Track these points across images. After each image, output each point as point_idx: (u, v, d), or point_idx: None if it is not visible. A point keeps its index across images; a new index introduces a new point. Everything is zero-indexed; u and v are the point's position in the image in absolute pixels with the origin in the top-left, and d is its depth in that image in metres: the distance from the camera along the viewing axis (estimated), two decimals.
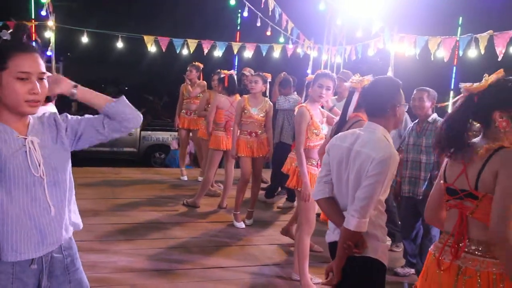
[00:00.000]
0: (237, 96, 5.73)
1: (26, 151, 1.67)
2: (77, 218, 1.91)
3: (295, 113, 3.80)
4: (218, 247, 4.65)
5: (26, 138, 1.69)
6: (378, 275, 2.26)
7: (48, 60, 8.49)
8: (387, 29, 6.12)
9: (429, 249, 2.10)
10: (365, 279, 2.23)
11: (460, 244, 1.89)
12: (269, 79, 5.43)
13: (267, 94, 5.63)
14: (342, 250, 2.19)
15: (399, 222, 4.57)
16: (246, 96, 5.32)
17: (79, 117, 1.87)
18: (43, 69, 1.67)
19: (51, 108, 3.52)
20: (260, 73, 5.32)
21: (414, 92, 4.06)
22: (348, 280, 2.22)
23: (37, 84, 1.64)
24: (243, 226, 5.27)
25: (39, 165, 1.68)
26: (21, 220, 1.63)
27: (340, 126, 3.15)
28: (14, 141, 1.66)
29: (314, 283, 3.79)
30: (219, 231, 5.13)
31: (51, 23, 7.05)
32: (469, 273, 1.84)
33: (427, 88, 4.05)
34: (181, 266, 4.13)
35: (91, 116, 1.87)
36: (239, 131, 5.25)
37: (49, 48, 7.41)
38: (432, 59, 5.75)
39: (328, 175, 2.36)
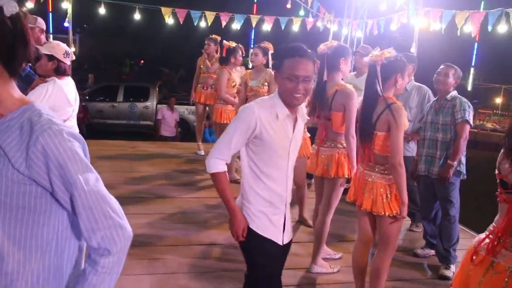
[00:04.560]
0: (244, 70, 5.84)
1: None
2: None
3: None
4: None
5: None
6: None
7: (65, 32, 8.43)
8: (412, 2, 5.90)
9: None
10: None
11: (500, 240, 1.80)
12: (271, 51, 5.29)
13: (270, 65, 5.44)
14: None
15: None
16: (249, 70, 5.29)
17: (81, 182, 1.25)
18: None
19: (69, 82, 3.45)
20: (261, 45, 5.26)
21: (441, 66, 3.95)
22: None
23: None
24: None
25: None
26: None
27: (367, 104, 2.93)
28: None
29: (335, 258, 3.79)
30: None
31: None
32: (499, 269, 1.77)
33: (455, 66, 3.93)
34: (196, 241, 4.11)
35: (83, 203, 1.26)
36: None
37: (66, 19, 7.33)
38: (459, 34, 5.54)
39: None
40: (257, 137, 2.19)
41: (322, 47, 3.58)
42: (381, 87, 2.83)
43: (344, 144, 3.43)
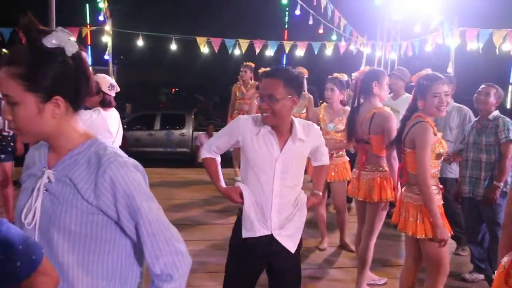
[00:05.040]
0: None
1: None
2: None
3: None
4: None
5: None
6: None
7: (105, 64, 8.78)
8: (446, 22, 5.87)
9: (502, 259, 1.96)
10: None
11: None
12: (306, 75, 5.26)
13: (305, 89, 5.43)
14: None
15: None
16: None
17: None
18: None
19: (113, 114, 3.57)
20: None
21: (482, 86, 3.90)
22: None
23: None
24: None
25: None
26: None
27: (402, 123, 2.98)
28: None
29: (380, 284, 3.75)
30: None
31: (108, 27, 7.25)
32: None
33: (495, 85, 3.88)
34: None
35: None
36: None
37: (106, 52, 7.63)
38: (497, 53, 5.45)
39: None
40: (242, 147, 2.39)
41: (354, 75, 3.64)
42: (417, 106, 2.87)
43: (386, 167, 3.41)
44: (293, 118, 2.39)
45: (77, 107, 1.34)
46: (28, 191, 1.35)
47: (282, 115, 2.28)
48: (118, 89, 3.57)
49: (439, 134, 2.87)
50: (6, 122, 4.93)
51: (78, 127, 1.36)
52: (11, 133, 4.97)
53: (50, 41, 1.22)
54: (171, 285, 1.34)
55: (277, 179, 2.34)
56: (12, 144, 4.96)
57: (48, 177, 1.31)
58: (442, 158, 2.89)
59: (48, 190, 1.31)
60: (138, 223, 1.31)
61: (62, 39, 1.24)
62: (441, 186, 2.91)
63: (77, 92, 1.30)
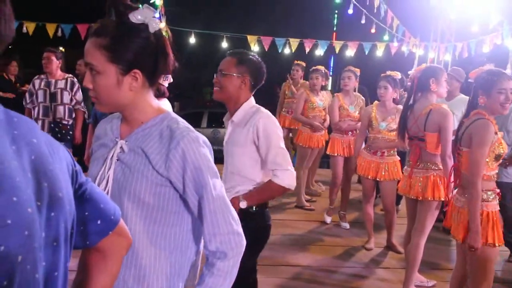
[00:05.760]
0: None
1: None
2: None
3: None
4: (318, 246, 4.59)
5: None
6: None
7: None
8: (506, 22, 5.66)
9: None
10: None
11: None
12: (358, 73, 5.19)
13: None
14: None
15: None
16: (338, 94, 5.22)
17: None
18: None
19: (166, 104, 3.69)
20: (351, 69, 5.16)
21: None
22: None
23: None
24: (328, 221, 5.25)
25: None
26: None
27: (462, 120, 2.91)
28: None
29: (428, 286, 3.67)
30: (319, 230, 5.07)
31: (163, 25, 7.44)
32: None
33: None
34: (283, 262, 4.14)
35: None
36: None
37: None
38: None
39: None
40: None
41: (411, 72, 3.58)
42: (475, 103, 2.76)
43: (440, 166, 3.34)
44: (249, 103, 2.42)
45: (153, 82, 1.40)
46: (100, 160, 1.43)
47: (229, 92, 2.37)
48: (171, 80, 3.67)
49: (500, 134, 2.73)
50: (67, 111, 5.17)
51: (152, 101, 1.42)
52: (70, 122, 5.20)
53: (136, 17, 1.28)
54: (224, 263, 1.37)
55: (225, 162, 2.47)
56: (71, 132, 5.20)
57: (121, 147, 1.38)
58: (500, 160, 2.78)
59: (120, 160, 1.38)
60: (202, 198, 1.35)
61: (147, 15, 1.30)
62: (497, 190, 2.75)
63: (154, 68, 1.36)
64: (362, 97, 5.34)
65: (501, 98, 2.63)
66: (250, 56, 2.40)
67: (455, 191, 2.88)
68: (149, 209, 1.35)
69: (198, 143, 1.34)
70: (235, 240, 1.38)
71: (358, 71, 5.19)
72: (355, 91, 5.31)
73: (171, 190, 1.35)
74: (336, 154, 5.11)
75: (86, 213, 0.99)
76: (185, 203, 1.39)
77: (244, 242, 1.41)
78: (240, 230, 1.41)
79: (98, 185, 1.38)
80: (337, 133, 5.13)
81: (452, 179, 2.99)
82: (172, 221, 1.38)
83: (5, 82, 6.68)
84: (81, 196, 0.97)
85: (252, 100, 2.43)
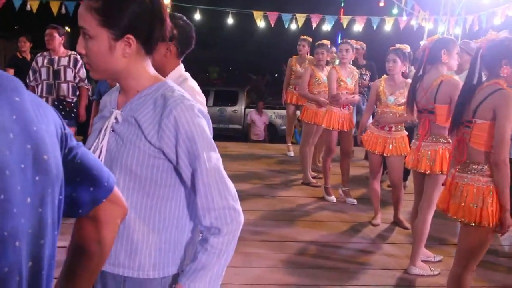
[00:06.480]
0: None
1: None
2: None
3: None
4: (324, 222, 4.57)
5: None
6: None
7: None
8: None
9: None
10: None
11: None
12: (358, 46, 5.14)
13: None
14: None
15: None
16: (337, 66, 5.17)
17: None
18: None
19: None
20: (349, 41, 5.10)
21: None
22: None
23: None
24: (334, 200, 5.15)
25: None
26: None
27: (465, 90, 2.64)
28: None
29: (435, 261, 3.63)
30: (325, 207, 5.05)
31: (167, 0, 7.33)
32: None
33: None
34: (290, 237, 4.13)
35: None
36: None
37: None
38: None
39: None
40: None
41: (423, 43, 3.48)
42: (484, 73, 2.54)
43: (449, 139, 3.27)
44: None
45: (149, 50, 1.33)
46: (97, 131, 1.39)
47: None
48: None
49: None
50: (70, 88, 5.14)
51: (149, 69, 1.35)
52: (74, 100, 5.17)
53: None
54: (218, 239, 1.30)
55: None
56: (75, 110, 5.17)
57: (116, 117, 1.33)
58: None
59: (114, 131, 1.33)
60: (195, 170, 1.28)
61: None
62: None
63: (150, 34, 1.29)
64: (356, 70, 5.28)
65: None
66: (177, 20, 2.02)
67: (453, 169, 2.64)
68: (141, 182, 1.30)
69: (193, 111, 1.28)
70: (230, 215, 1.31)
71: (359, 44, 5.12)
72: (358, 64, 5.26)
73: (165, 162, 1.30)
74: (332, 129, 5.04)
75: (78, 179, 0.95)
76: (180, 176, 1.33)
77: (241, 219, 1.34)
78: (238, 206, 1.34)
79: None
80: (335, 107, 5.05)
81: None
82: (167, 195, 1.33)
83: (20, 61, 6.37)
84: (72, 161, 0.93)
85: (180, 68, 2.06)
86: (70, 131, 0.95)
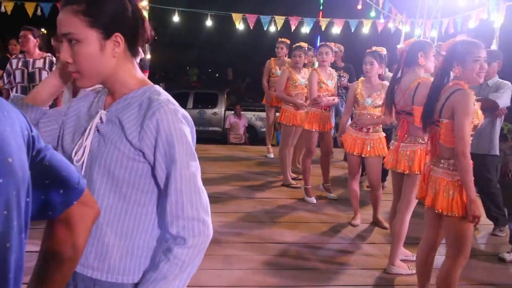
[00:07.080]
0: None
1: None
2: None
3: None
4: (304, 224, 4.59)
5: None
6: None
7: None
8: None
9: None
10: None
11: None
12: (336, 49, 5.19)
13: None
14: None
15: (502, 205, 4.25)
16: (317, 69, 5.20)
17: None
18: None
19: None
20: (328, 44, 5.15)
21: None
22: None
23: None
24: (314, 201, 5.17)
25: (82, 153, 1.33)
26: None
27: (432, 90, 2.82)
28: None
29: (413, 260, 3.65)
30: (305, 208, 5.07)
31: (144, 3, 7.27)
32: None
33: None
34: (271, 239, 4.13)
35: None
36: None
37: None
38: None
39: None
40: None
41: (400, 46, 3.55)
42: (450, 75, 2.74)
43: (426, 139, 3.32)
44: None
45: (134, 50, 1.34)
46: (81, 131, 1.37)
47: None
48: (143, 55, 3.57)
49: (477, 105, 2.75)
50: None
51: (135, 73, 1.35)
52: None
53: None
54: (182, 250, 1.24)
55: None
56: None
57: (101, 118, 1.32)
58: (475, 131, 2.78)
59: (99, 131, 1.32)
60: (169, 174, 1.25)
61: None
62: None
63: (134, 33, 1.30)
64: (335, 72, 5.33)
65: (477, 67, 2.63)
66: None
67: (429, 163, 2.85)
68: (118, 184, 1.28)
69: (176, 116, 1.26)
70: (199, 227, 1.25)
71: (337, 46, 5.16)
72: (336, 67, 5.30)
73: (145, 166, 1.28)
74: (313, 130, 5.08)
75: (47, 182, 0.92)
76: (154, 178, 1.30)
77: (210, 233, 1.29)
78: (208, 219, 1.28)
79: (75, 154, 1.33)
80: (316, 108, 5.09)
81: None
82: (144, 200, 1.31)
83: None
84: (40, 163, 0.91)
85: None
86: (37, 133, 0.92)
